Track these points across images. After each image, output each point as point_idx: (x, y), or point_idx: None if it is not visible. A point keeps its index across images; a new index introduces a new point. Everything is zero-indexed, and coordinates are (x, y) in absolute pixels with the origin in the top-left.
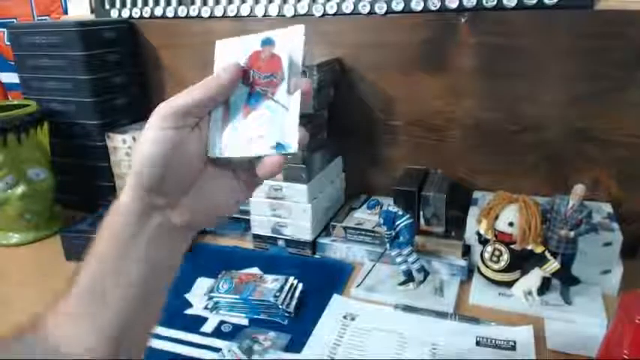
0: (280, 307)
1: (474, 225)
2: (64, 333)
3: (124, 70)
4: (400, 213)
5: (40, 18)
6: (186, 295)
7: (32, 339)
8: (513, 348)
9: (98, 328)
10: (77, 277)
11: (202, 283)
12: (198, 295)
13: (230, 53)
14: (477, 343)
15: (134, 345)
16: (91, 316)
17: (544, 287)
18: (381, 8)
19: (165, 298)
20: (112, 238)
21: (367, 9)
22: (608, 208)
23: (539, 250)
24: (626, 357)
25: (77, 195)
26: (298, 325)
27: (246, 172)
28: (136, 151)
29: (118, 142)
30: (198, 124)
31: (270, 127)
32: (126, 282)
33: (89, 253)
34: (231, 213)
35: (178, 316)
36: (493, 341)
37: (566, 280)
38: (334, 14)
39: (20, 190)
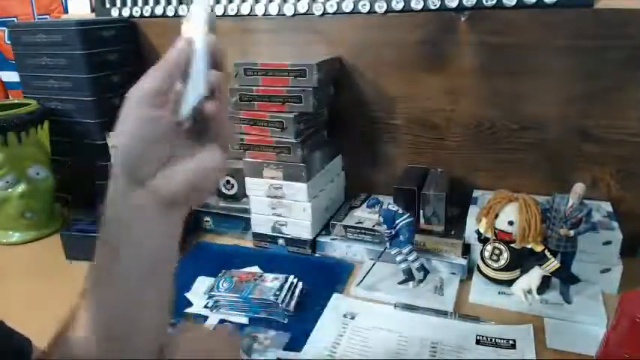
0: (280, 305)
1: (474, 224)
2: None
3: (124, 69)
4: (400, 212)
5: (40, 17)
6: (187, 294)
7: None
8: (513, 347)
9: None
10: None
11: (202, 282)
12: (199, 294)
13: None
14: (477, 342)
15: (137, 340)
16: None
17: (544, 286)
18: (380, 7)
19: (169, 292)
20: (103, 232)
21: (367, 8)
22: (607, 206)
23: (538, 248)
24: (626, 356)
25: (77, 194)
26: (298, 323)
27: (213, 133)
28: (115, 135)
29: None
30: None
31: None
32: (118, 279)
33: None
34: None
35: (178, 315)
36: (493, 340)
37: (565, 278)
38: (334, 13)
39: (20, 188)
